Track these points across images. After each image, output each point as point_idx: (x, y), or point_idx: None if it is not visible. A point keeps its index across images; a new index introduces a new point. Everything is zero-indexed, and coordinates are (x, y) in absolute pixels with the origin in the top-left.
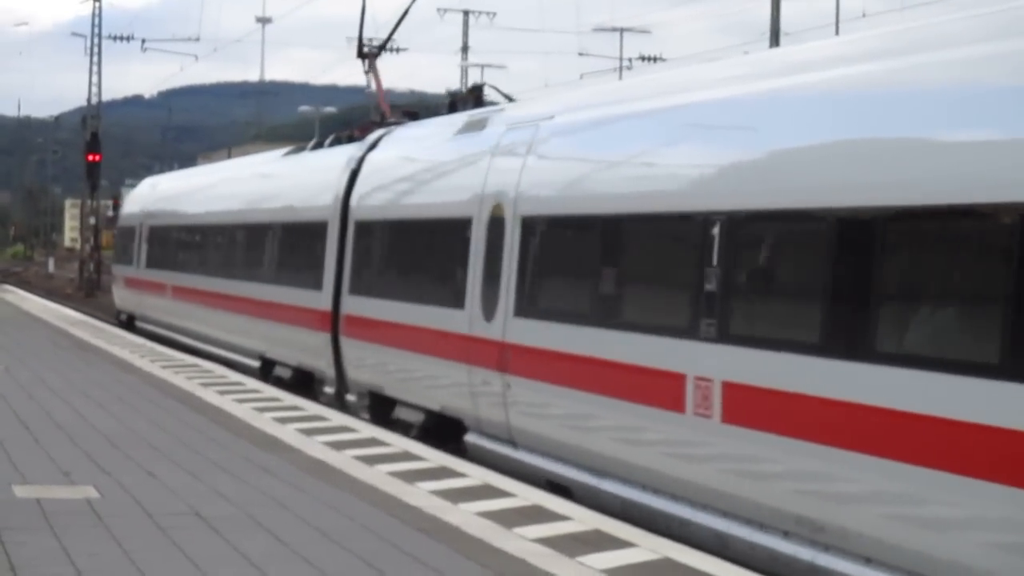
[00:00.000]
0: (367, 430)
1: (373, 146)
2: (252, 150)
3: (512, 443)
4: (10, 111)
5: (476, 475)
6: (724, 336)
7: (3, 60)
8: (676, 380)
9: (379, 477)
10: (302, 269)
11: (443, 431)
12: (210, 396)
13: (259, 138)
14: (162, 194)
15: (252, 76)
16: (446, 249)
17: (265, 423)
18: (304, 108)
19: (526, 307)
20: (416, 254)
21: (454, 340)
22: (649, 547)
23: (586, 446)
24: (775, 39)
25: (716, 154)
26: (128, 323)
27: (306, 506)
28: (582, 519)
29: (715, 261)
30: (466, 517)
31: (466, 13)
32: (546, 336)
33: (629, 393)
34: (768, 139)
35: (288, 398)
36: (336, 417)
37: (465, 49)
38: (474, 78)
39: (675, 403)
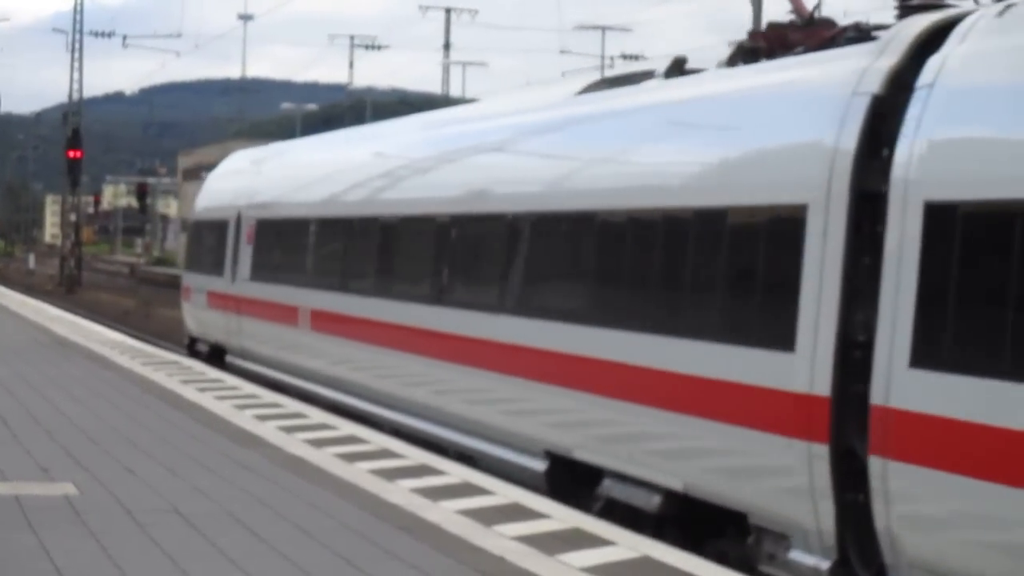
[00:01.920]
0: (347, 427)
1: (927, 44)
2: (234, 147)
3: None
4: None
5: (456, 473)
6: None
7: None
8: None
9: (359, 474)
10: (709, 299)
11: None
12: (189, 393)
13: (240, 135)
14: (283, 171)
15: (234, 73)
16: None
17: (245, 420)
18: (286, 105)
19: None
20: None
21: None
22: (628, 545)
23: None
24: None
25: None
26: (213, 356)
27: (285, 503)
28: (562, 517)
29: None
30: (446, 515)
31: (448, 11)
32: None
33: None
34: None
35: (268, 395)
36: (316, 414)
37: (447, 47)
38: (456, 76)
39: None
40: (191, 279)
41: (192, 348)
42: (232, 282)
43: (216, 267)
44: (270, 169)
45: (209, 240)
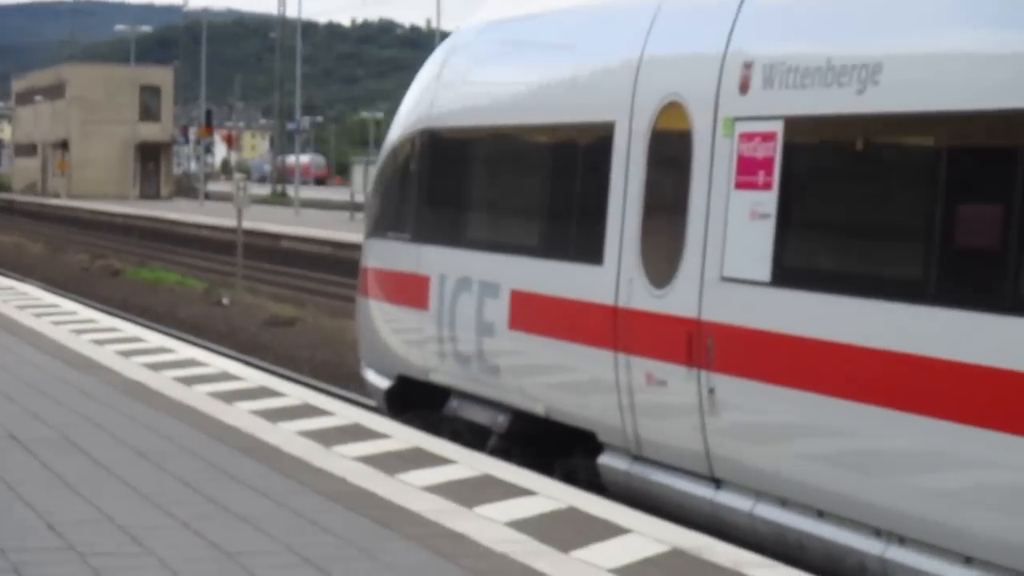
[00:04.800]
0: (185, 351)
1: None
2: (68, 71)
3: None
4: None
5: (295, 394)
6: None
7: None
8: None
9: (198, 398)
10: None
11: None
12: (26, 318)
13: (74, 58)
14: None
15: None
16: None
17: (82, 345)
18: (120, 27)
19: None
20: None
21: None
22: (469, 464)
23: None
24: None
25: None
26: (514, 440)
27: (123, 427)
28: (403, 437)
29: None
30: (286, 436)
31: None
32: None
33: None
34: None
35: (105, 319)
36: (154, 338)
37: None
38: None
39: None
40: (405, 255)
41: (396, 400)
42: (660, 287)
43: (554, 240)
44: None
45: (486, 177)
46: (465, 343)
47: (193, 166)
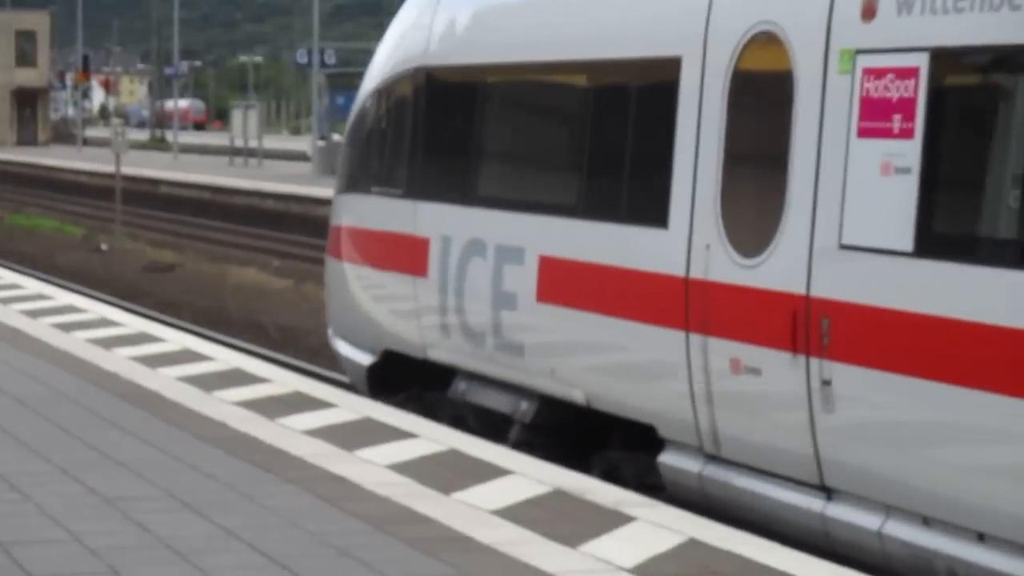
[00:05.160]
0: (64, 297)
1: None
2: None
3: None
4: None
5: (175, 340)
6: None
7: None
8: None
9: (76, 344)
10: None
11: None
12: None
13: None
14: None
15: None
16: None
17: None
18: None
19: None
20: None
21: None
22: (349, 407)
23: None
24: None
25: None
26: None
27: (1, 374)
28: (282, 381)
29: None
30: (166, 382)
31: None
32: None
33: None
34: None
35: None
36: (32, 285)
37: None
38: None
39: None
40: (397, 214)
41: (379, 378)
42: (751, 256)
43: (599, 197)
44: None
45: (505, 124)
46: (477, 317)
47: (71, 112)
